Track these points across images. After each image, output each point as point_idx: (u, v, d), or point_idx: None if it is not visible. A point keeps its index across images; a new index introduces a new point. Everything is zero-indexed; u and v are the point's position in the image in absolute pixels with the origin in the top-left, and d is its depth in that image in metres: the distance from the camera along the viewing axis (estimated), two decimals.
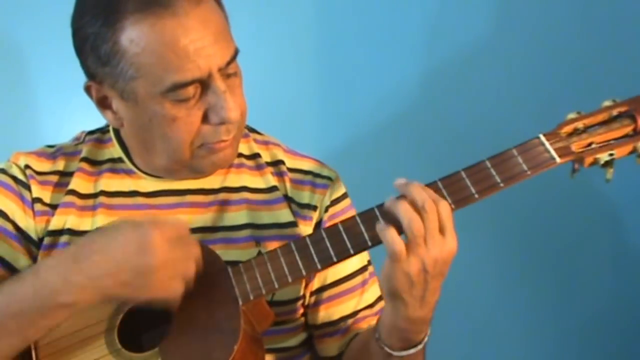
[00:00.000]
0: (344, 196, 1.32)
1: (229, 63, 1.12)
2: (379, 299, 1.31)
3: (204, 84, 1.11)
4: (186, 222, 1.09)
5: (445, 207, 1.03)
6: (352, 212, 1.30)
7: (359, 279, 1.30)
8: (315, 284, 1.28)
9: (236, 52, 1.14)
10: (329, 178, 1.31)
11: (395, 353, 1.12)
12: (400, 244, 1.02)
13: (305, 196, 1.28)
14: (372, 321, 1.28)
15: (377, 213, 1.09)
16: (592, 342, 2.19)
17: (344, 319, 1.29)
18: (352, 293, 1.29)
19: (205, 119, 1.13)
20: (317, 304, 1.29)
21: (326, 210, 1.29)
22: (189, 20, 1.08)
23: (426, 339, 1.14)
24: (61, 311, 1.03)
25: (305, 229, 1.27)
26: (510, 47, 2.05)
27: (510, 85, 2.06)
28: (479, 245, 2.06)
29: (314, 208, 1.28)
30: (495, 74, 2.06)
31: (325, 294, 1.29)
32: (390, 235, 1.03)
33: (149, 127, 1.15)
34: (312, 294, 1.29)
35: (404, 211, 1.03)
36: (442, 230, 1.03)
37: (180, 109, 1.12)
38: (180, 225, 1.07)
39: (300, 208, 1.27)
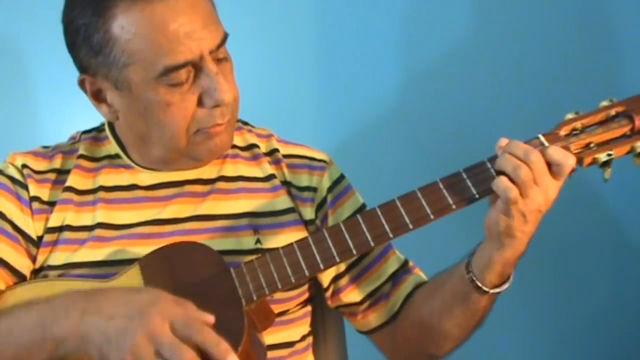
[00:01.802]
0: (342, 177, 1.34)
1: (219, 46, 1.14)
2: (406, 260, 1.32)
3: (197, 67, 1.13)
4: (207, 318, 1.02)
5: (570, 159, 1.06)
6: (353, 191, 1.33)
7: (376, 252, 1.30)
8: (342, 265, 1.28)
9: (225, 36, 1.17)
10: (324, 161, 1.33)
11: (492, 290, 1.15)
12: (514, 189, 1.05)
13: (303, 179, 1.30)
14: (411, 278, 1.29)
15: (379, 212, 1.11)
16: (591, 343, 2.20)
17: (382, 285, 1.29)
18: (380, 260, 1.30)
19: (199, 103, 1.15)
20: (353, 280, 1.29)
21: (329, 190, 1.30)
22: (178, 5, 1.11)
23: (513, 274, 1.16)
24: (51, 344, 1.01)
25: (306, 211, 1.28)
26: (509, 45, 2.06)
27: (507, 84, 2.07)
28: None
29: (314, 189, 1.30)
30: (494, 72, 2.07)
31: (355, 271, 1.29)
32: (503, 183, 1.05)
33: (144, 115, 1.17)
34: (340, 276, 1.29)
35: (507, 160, 1.06)
36: (556, 176, 1.06)
37: (174, 94, 1.13)
38: (195, 317, 1.01)
39: (300, 191, 1.29)
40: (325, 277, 1.29)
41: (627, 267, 2.17)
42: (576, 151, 1.09)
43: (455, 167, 1.11)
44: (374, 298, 1.29)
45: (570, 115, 1.12)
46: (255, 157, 1.31)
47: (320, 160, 1.33)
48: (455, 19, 2.06)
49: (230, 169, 1.29)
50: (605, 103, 1.13)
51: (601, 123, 1.11)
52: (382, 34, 2.06)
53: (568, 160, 1.06)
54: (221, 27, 1.17)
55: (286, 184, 1.30)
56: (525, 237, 1.09)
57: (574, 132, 1.10)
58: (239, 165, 1.30)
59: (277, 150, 1.32)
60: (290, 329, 1.27)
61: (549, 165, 1.06)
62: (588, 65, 2.03)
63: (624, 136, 1.10)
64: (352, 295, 1.29)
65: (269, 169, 1.30)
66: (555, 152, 1.06)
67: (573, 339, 2.20)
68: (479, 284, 1.14)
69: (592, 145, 1.09)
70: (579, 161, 1.09)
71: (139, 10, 1.10)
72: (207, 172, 1.27)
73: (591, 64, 2.03)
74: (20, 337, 1.03)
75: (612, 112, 1.11)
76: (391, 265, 1.30)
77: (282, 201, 1.28)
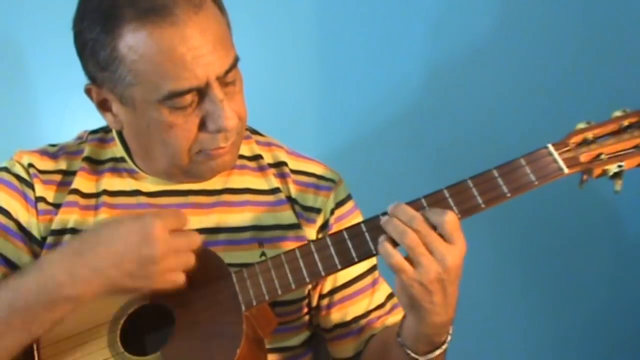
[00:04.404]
0: (348, 198, 1.36)
1: (227, 72, 1.15)
2: (389, 297, 1.35)
3: (202, 92, 1.14)
4: (185, 214, 1.12)
5: (447, 216, 1.04)
6: (357, 214, 1.35)
7: (369, 279, 1.33)
8: (327, 286, 1.32)
9: (236, 60, 1.17)
10: (332, 180, 1.34)
11: (422, 357, 1.15)
12: (396, 255, 1.05)
13: (309, 199, 1.31)
14: (387, 320, 1.32)
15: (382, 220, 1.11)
16: (591, 343, 2.22)
17: (356, 319, 1.32)
18: (363, 293, 1.32)
19: (202, 126, 1.16)
20: (329, 306, 1.32)
21: (332, 212, 1.32)
22: (187, 29, 1.10)
23: (449, 337, 1.16)
24: (66, 304, 1.06)
25: (309, 231, 1.30)
26: (516, 52, 2.07)
27: (513, 87, 2.08)
28: (478, 245, 2.05)
29: (318, 211, 1.31)
30: (499, 76, 2.08)
31: (337, 296, 1.32)
32: (385, 249, 1.06)
33: (147, 132, 1.18)
34: (323, 296, 1.32)
35: (392, 228, 1.06)
36: (447, 239, 1.05)
37: (177, 116, 1.15)
38: (181, 217, 1.10)
39: (305, 210, 1.31)
40: (314, 295, 1.32)
41: (627, 266, 2.19)
42: (586, 161, 1.09)
43: (462, 172, 1.12)
44: (346, 330, 1.32)
45: (581, 125, 1.13)
46: (261, 169, 1.33)
47: (328, 180, 1.34)
48: (466, 19, 2.07)
49: (237, 181, 1.30)
50: (618, 113, 1.13)
51: (613, 134, 1.12)
52: (387, 34, 2.07)
53: (445, 217, 1.04)
54: (232, 52, 1.17)
55: (291, 200, 1.31)
56: (437, 307, 1.07)
57: (585, 142, 1.11)
58: (246, 177, 1.31)
59: (284, 163, 1.34)
60: (291, 337, 1.30)
61: (436, 228, 1.05)
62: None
63: (636, 147, 1.11)
64: (325, 320, 1.33)
65: (275, 182, 1.32)
66: (433, 214, 1.05)
67: (573, 339, 2.21)
68: (409, 352, 1.15)
69: (602, 156, 1.10)
70: (589, 172, 1.09)
71: (147, 33, 1.10)
72: (212, 183, 1.29)
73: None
74: (27, 305, 1.05)
75: (625, 122, 1.12)
76: (375, 300, 1.33)
77: (287, 216, 1.30)
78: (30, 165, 1.26)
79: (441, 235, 1.04)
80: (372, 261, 1.34)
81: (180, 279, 1.08)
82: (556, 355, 2.22)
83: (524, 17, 2.07)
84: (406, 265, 1.04)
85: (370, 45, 2.09)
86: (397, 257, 1.04)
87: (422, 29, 2.08)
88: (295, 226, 1.29)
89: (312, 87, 2.10)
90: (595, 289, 2.19)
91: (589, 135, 1.11)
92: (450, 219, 1.04)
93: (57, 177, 1.27)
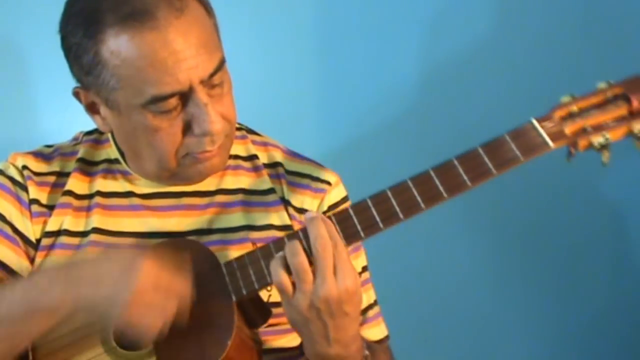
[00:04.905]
0: (344, 200, 1.34)
1: (212, 75, 1.14)
2: (369, 307, 1.34)
3: (186, 96, 1.13)
4: (187, 259, 1.12)
5: (341, 248, 1.07)
6: None
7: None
8: None
9: (222, 63, 1.16)
10: (327, 182, 1.33)
11: None
12: (283, 276, 1.08)
13: (302, 200, 1.31)
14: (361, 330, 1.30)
15: (369, 204, 1.12)
16: (592, 344, 2.22)
17: None
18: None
19: (188, 129, 1.16)
20: None
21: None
22: (169, 34, 1.10)
23: None
24: (43, 317, 1.07)
25: None
26: (514, 50, 2.08)
27: (513, 86, 2.08)
28: (479, 245, 2.09)
29: None
30: (498, 76, 2.09)
31: None
32: (274, 267, 1.08)
33: (134, 135, 1.19)
34: None
35: (289, 247, 1.08)
36: (335, 271, 1.06)
37: (162, 120, 1.15)
38: (181, 262, 1.10)
39: (297, 212, 1.31)
40: None
41: (628, 268, 2.18)
42: (571, 134, 1.09)
43: None
44: None
45: (566, 99, 1.13)
46: (256, 169, 1.33)
47: (323, 181, 1.33)
48: (461, 18, 2.08)
49: (230, 181, 1.31)
50: (602, 85, 1.13)
51: (598, 106, 1.12)
52: (386, 34, 2.08)
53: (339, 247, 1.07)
54: (217, 54, 1.16)
55: (285, 201, 1.31)
56: (320, 338, 1.09)
57: (570, 116, 1.11)
58: (240, 177, 1.32)
59: (280, 164, 1.33)
60: (286, 337, 1.29)
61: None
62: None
63: (620, 118, 1.10)
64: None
65: (269, 183, 1.32)
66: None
67: (574, 341, 2.22)
68: None
69: (587, 128, 1.09)
70: (574, 145, 1.09)
71: (128, 38, 1.10)
72: (206, 184, 1.29)
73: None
74: (9, 313, 1.08)
75: (609, 94, 1.12)
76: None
77: (280, 217, 1.30)
78: (25, 167, 1.27)
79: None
80: (363, 261, 1.34)
81: (152, 321, 1.06)
82: (557, 356, 2.22)
83: (520, 16, 2.07)
84: (289, 287, 1.07)
85: (369, 45, 2.09)
86: (282, 277, 1.07)
87: (421, 29, 2.09)
88: (288, 227, 1.29)
89: (312, 87, 2.10)
90: (596, 290, 2.19)
91: (574, 108, 1.11)
92: (342, 250, 1.07)
93: (51, 179, 1.28)
